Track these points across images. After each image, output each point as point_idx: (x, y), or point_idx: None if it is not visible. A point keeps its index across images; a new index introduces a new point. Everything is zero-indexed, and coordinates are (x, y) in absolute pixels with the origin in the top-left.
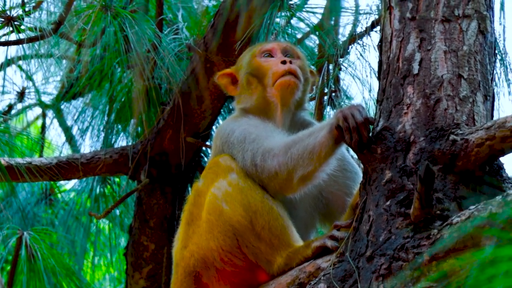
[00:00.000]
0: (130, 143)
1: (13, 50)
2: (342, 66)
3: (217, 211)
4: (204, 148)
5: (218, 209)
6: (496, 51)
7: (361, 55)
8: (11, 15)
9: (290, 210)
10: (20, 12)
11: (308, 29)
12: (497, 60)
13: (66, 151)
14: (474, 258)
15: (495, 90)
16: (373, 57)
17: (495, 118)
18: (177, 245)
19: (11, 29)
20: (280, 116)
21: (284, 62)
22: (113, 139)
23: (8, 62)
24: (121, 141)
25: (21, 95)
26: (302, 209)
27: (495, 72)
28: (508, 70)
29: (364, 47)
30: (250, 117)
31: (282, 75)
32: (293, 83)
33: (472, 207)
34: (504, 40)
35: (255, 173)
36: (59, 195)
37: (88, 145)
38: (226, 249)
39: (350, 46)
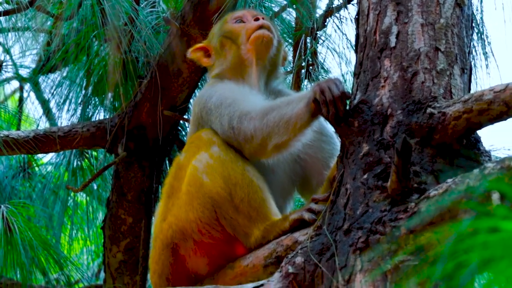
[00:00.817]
0: (107, 117)
1: None
2: (319, 39)
3: (198, 183)
4: (181, 121)
5: (198, 181)
6: (473, 24)
7: (338, 28)
8: None
9: (268, 174)
10: None
11: (285, 2)
12: (474, 33)
13: (44, 125)
14: (451, 231)
15: (472, 63)
16: (351, 30)
17: (472, 91)
18: (157, 218)
19: None
20: (256, 74)
21: (257, 19)
22: (91, 112)
23: None
24: (99, 115)
25: None
26: (280, 173)
27: (472, 45)
28: (486, 43)
29: (342, 20)
30: (226, 81)
31: (256, 29)
32: (267, 36)
33: (449, 180)
34: (481, 13)
35: (233, 135)
36: (36, 169)
37: (65, 119)
38: (205, 221)
39: (327, 19)
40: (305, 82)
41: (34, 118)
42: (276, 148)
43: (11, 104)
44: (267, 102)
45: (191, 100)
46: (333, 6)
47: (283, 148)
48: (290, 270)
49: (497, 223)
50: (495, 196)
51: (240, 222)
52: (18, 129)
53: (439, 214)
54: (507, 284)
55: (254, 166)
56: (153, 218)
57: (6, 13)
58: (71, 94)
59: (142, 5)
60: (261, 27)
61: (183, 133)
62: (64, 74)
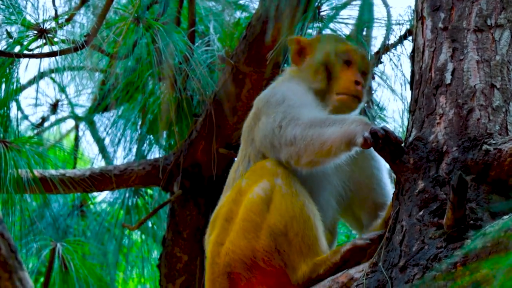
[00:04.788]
0: (162, 155)
1: (45, 63)
2: (375, 76)
3: (260, 211)
4: (236, 159)
5: (260, 209)
6: None
7: (395, 65)
8: (44, 28)
9: (317, 194)
10: (53, 24)
11: None
12: None
13: (99, 163)
14: (503, 263)
15: None
16: (406, 67)
17: None
18: (211, 238)
19: (44, 41)
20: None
21: (357, 83)
22: (146, 151)
23: (41, 74)
24: (154, 153)
25: (54, 107)
26: (328, 196)
27: None
28: None
29: (399, 56)
30: (294, 82)
31: (348, 93)
32: (353, 105)
33: (505, 217)
34: None
35: (277, 134)
36: (91, 207)
37: (120, 157)
38: (268, 250)
39: (382, 56)
40: None
41: (89, 156)
42: (308, 164)
43: (67, 143)
44: (320, 115)
45: None
46: (389, 43)
47: (315, 165)
48: None
49: None
50: None
51: (291, 256)
52: (74, 167)
53: (493, 248)
54: None
55: (311, 199)
56: None
57: (62, 52)
58: (126, 133)
59: (196, 44)
60: (354, 95)
61: None
62: (119, 113)
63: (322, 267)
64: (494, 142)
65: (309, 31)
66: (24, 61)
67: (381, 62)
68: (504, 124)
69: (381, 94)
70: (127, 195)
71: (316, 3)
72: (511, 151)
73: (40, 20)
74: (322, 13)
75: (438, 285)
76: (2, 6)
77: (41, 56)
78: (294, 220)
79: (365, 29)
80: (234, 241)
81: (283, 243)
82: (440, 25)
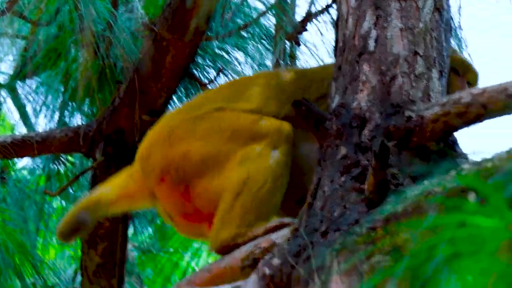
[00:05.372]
0: (85, 122)
1: None
2: (299, 43)
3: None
4: None
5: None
6: (452, 28)
7: (320, 32)
8: None
9: None
10: None
11: (264, 8)
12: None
13: (20, 130)
14: (418, 227)
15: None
16: (331, 35)
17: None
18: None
19: None
20: None
21: None
22: (68, 118)
23: None
24: (77, 120)
25: None
26: None
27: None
28: (463, 45)
29: (322, 24)
30: None
31: None
32: None
33: (426, 182)
34: (459, 17)
35: None
36: (12, 173)
37: (42, 124)
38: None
39: (307, 23)
40: None
41: (11, 123)
42: None
43: None
44: None
45: (169, 106)
46: (313, 10)
47: None
48: (267, 272)
49: (466, 218)
50: (471, 197)
51: (230, 216)
52: None
53: (414, 211)
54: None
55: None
56: (129, 222)
57: None
58: (48, 100)
59: (120, 11)
60: None
61: None
62: (42, 80)
63: (243, 237)
64: (416, 108)
65: None
66: None
67: (305, 30)
68: (426, 91)
69: (305, 62)
70: (48, 161)
71: None
72: (433, 117)
73: None
74: None
75: (358, 248)
76: None
77: None
78: (262, 189)
79: None
80: (198, 141)
81: (240, 199)
82: None
